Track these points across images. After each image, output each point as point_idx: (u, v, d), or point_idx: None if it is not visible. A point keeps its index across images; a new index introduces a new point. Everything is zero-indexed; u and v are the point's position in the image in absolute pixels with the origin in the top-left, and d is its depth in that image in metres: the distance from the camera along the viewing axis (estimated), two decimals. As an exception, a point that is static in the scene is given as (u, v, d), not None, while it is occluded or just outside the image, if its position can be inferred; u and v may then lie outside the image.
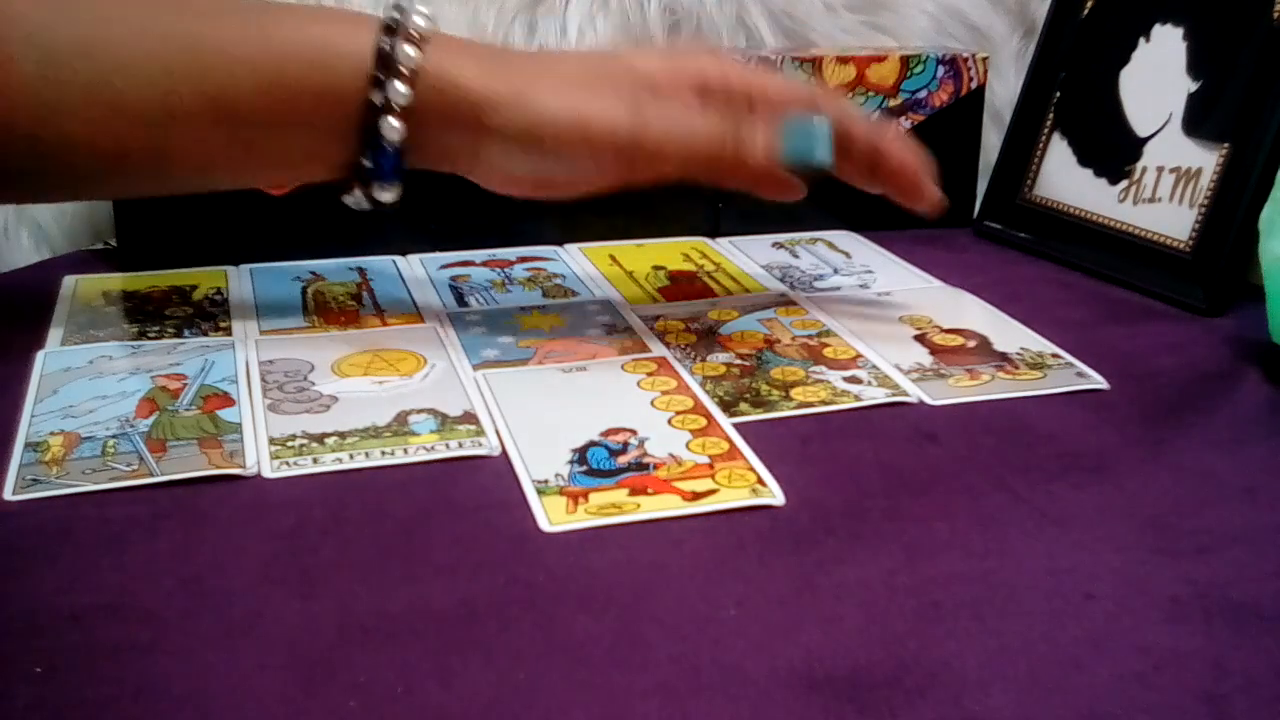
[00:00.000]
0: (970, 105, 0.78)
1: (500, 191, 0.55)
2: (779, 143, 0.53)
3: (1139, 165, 0.71)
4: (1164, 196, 0.69)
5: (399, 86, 0.51)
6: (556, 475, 0.46)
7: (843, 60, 0.75)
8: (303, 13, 0.53)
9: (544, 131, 0.52)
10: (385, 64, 0.51)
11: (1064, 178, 0.75)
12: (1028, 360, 0.58)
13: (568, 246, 0.74)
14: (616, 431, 0.49)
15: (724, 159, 0.53)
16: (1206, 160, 0.67)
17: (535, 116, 0.52)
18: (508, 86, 0.52)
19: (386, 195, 0.54)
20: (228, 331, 0.59)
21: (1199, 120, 0.68)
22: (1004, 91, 0.87)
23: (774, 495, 0.45)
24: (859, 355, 0.58)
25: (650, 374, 0.55)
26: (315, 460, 0.47)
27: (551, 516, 0.43)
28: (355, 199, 0.55)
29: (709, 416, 0.51)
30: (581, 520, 0.43)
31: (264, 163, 0.54)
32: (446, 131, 0.52)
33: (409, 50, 0.51)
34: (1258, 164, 0.64)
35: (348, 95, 0.51)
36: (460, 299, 0.64)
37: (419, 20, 0.52)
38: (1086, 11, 0.76)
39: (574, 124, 0.52)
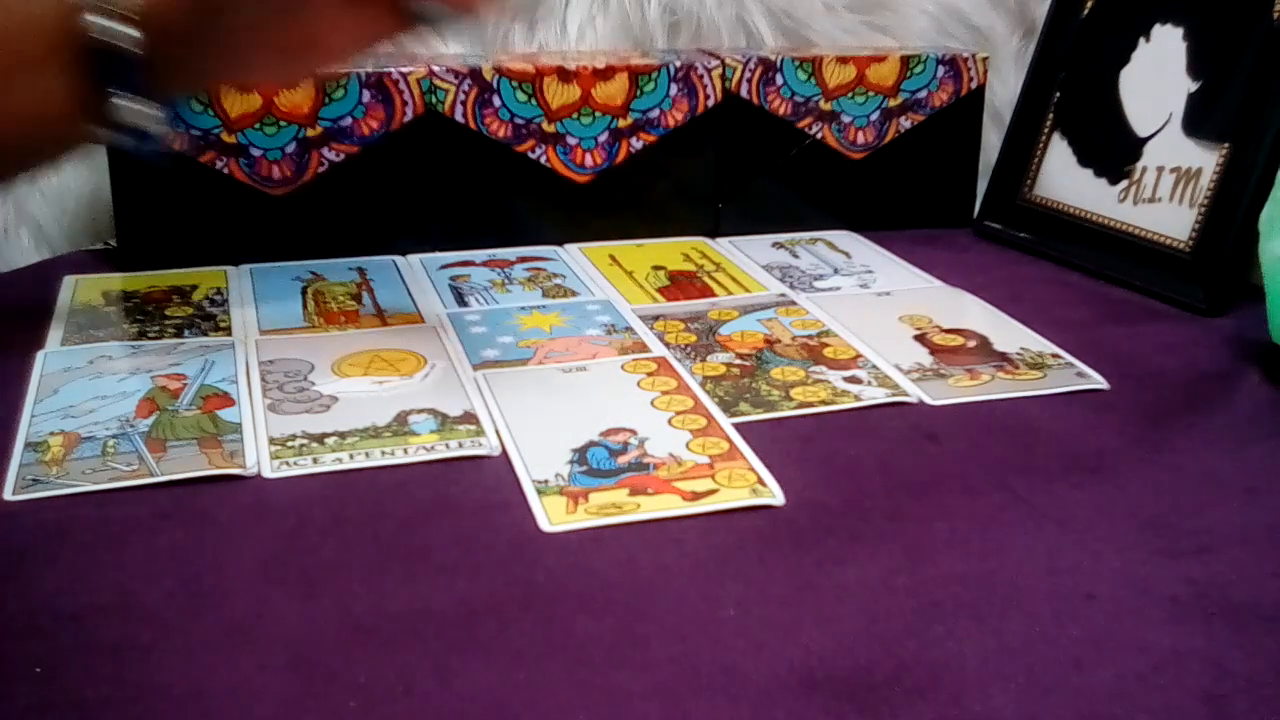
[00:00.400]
0: (970, 105, 0.78)
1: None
2: None
3: (1139, 165, 0.71)
4: (1164, 196, 0.69)
5: None
6: (556, 475, 0.46)
7: (843, 60, 0.75)
8: None
9: None
10: None
11: (1064, 178, 0.75)
12: (1028, 360, 0.57)
13: (568, 246, 0.74)
14: (616, 431, 0.49)
15: None
16: (1206, 160, 0.67)
17: None
18: None
19: (139, 119, 0.50)
20: (228, 331, 0.59)
21: (1199, 120, 0.68)
22: (1004, 91, 0.87)
23: (774, 495, 0.45)
24: (859, 355, 0.58)
25: (650, 374, 0.55)
26: (315, 460, 0.47)
27: (551, 516, 0.43)
28: (107, 134, 0.50)
29: (709, 416, 0.51)
30: (581, 520, 0.43)
31: (18, 122, 0.50)
32: (177, 44, 0.49)
33: None
34: (1258, 164, 0.64)
35: (49, 12, 0.48)
36: (460, 299, 0.64)
37: None
38: (1086, 11, 0.76)
39: None
